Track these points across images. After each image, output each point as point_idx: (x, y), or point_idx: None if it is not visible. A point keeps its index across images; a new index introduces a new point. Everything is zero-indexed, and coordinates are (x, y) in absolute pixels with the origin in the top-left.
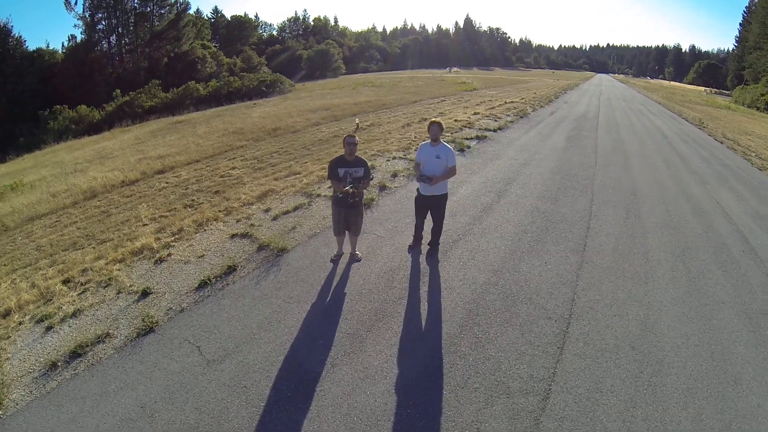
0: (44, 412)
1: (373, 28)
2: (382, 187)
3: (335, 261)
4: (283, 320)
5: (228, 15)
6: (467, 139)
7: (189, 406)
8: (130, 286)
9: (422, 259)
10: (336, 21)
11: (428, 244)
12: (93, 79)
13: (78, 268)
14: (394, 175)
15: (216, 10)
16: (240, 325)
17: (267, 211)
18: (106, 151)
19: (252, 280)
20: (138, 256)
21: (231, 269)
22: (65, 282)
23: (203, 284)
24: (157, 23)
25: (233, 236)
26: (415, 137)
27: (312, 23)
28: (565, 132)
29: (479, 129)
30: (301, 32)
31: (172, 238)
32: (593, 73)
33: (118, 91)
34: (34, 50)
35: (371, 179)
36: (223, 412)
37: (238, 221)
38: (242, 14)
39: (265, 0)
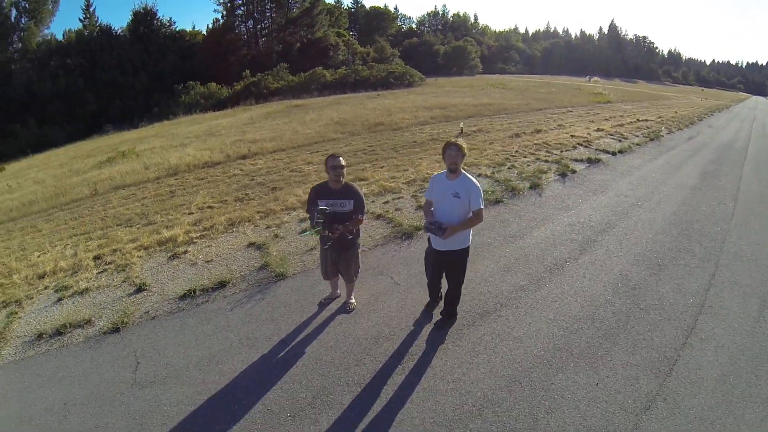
0: (9, 376)
1: (515, 28)
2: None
3: (323, 305)
4: (220, 364)
5: (368, 6)
6: (576, 161)
7: (100, 420)
8: (135, 277)
9: (427, 330)
10: (476, 18)
11: (440, 313)
12: (227, 59)
13: (112, 246)
14: None
15: (356, 1)
16: (183, 354)
17: (302, 221)
18: (217, 128)
19: (230, 303)
20: (161, 247)
21: (221, 285)
22: (96, 258)
23: (187, 295)
24: (294, 10)
25: (250, 245)
26: (517, 151)
27: (451, 19)
28: (700, 164)
29: (595, 150)
30: (440, 27)
31: (199, 234)
32: (748, 94)
33: (248, 71)
34: (177, 31)
35: (364, 214)
36: None
37: (267, 227)
38: (382, 6)
39: None
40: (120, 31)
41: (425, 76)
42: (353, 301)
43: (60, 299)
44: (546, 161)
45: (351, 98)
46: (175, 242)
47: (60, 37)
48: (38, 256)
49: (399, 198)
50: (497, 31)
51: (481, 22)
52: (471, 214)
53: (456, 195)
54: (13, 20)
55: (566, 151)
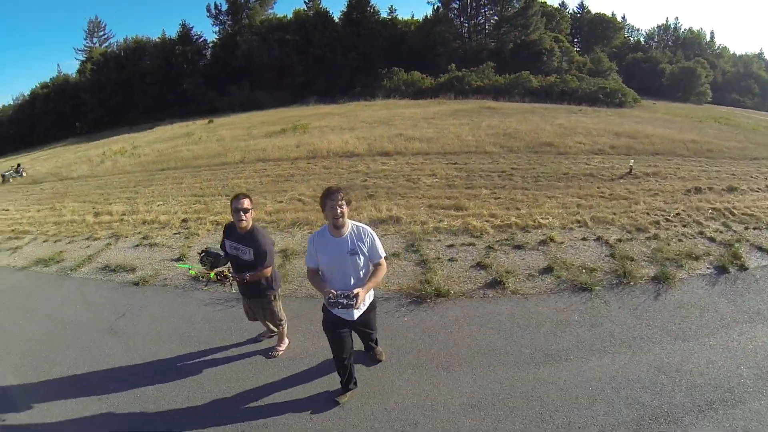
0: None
1: (759, 53)
2: (495, 282)
3: (257, 339)
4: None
5: (594, 11)
6: (760, 249)
7: None
8: (186, 247)
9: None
10: (712, 37)
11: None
12: (435, 50)
13: (200, 214)
14: (546, 271)
15: (582, 6)
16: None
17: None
18: (396, 118)
19: (176, 295)
20: (198, 223)
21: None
22: (183, 221)
23: (144, 280)
24: (509, 9)
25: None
26: (678, 214)
27: (682, 35)
28: None
29: None
30: (670, 43)
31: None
32: None
33: (453, 65)
34: (388, 18)
35: (269, 267)
36: None
37: (303, 238)
38: (608, 13)
39: (636, 1)
40: (337, 16)
41: (644, 97)
42: (280, 349)
43: (137, 245)
44: (711, 239)
45: (547, 109)
46: (214, 224)
47: (281, 15)
48: (157, 205)
49: (470, 246)
50: (737, 54)
51: (718, 42)
52: (375, 268)
53: (353, 252)
54: (242, 1)
55: (755, 229)
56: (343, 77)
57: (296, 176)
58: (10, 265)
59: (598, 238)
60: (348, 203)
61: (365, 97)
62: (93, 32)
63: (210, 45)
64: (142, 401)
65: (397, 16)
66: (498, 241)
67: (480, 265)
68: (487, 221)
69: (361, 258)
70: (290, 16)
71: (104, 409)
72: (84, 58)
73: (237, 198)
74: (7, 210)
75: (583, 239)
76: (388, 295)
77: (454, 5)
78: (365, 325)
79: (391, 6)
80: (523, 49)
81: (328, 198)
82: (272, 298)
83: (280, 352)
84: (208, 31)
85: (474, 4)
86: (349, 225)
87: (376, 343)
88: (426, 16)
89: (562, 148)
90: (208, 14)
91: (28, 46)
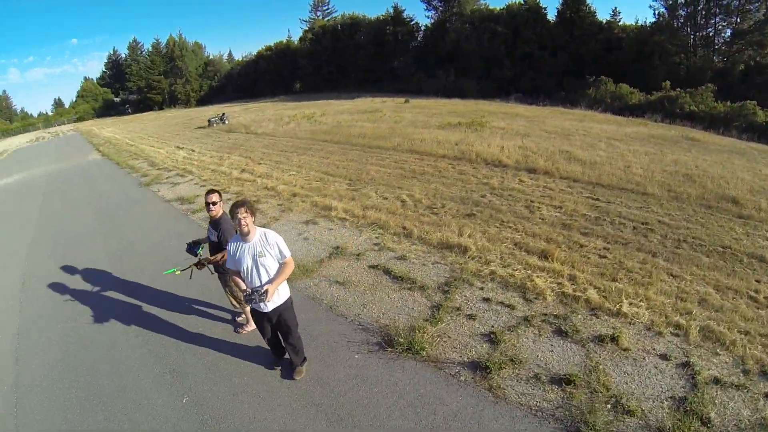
0: None
1: None
2: (481, 367)
3: (239, 325)
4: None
5: None
6: None
7: None
8: (254, 201)
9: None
10: None
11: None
12: (651, 62)
13: (294, 190)
14: (563, 381)
15: None
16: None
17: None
18: (578, 132)
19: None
20: (323, 211)
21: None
22: (275, 193)
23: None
24: (747, 20)
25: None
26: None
27: None
28: None
29: None
30: None
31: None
32: None
33: (668, 83)
34: (604, 21)
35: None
36: None
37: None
38: None
39: None
40: (552, 14)
41: None
42: (246, 329)
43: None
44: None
45: (763, 153)
46: (329, 210)
47: (492, 6)
48: (289, 175)
49: (508, 308)
50: None
51: None
52: (281, 266)
53: (260, 254)
54: None
55: None
56: (551, 78)
57: (425, 176)
58: (164, 197)
59: (686, 364)
60: (252, 214)
61: (566, 103)
62: (317, 6)
63: (422, 28)
64: None
65: (618, 21)
66: (546, 314)
67: (491, 337)
68: (557, 284)
69: (269, 259)
70: (501, 7)
71: None
72: (306, 28)
73: (208, 193)
74: (192, 150)
75: (662, 357)
76: (368, 325)
77: (681, 12)
78: (280, 320)
79: (615, 8)
80: (756, 73)
81: (235, 210)
82: (227, 278)
83: (245, 332)
84: (420, 15)
85: (704, 12)
86: (258, 232)
87: (301, 363)
88: (644, 23)
89: (748, 210)
90: None
91: (261, 15)
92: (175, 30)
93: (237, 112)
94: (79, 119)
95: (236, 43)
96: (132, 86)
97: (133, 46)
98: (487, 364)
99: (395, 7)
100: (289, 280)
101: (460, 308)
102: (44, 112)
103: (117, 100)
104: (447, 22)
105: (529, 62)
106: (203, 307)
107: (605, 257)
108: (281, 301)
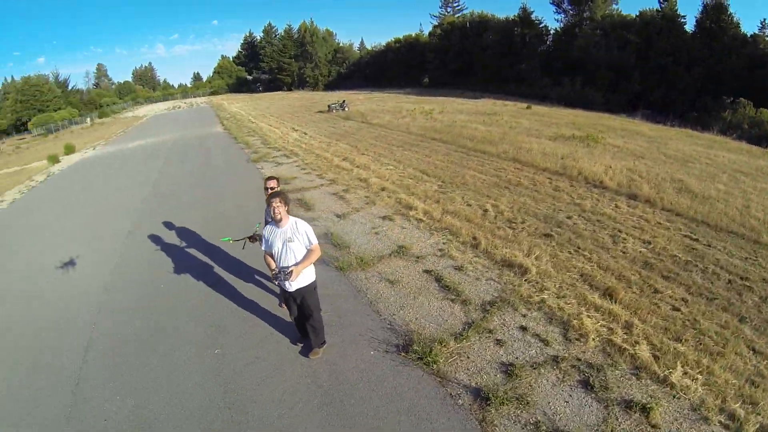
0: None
1: None
2: (481, 396)
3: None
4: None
5: None
6: None
7: None
8: (343, 190)
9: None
10: None
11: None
12: None
13: (385, 185)
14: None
15: None
16: None
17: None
18: (699, 160)
19: None
20: (387, 194)
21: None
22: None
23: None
24: None
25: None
26: None
27: None
28: None
29: None
30: None
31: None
32: None
33: None
34: (749, 34)
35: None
36: None
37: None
38: None
39: None
40: (691, 24)
41: None
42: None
43: (334, 194)
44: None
45: None
46: (410, 209)
47: (625, 13)
48: (387, 169)
49: (542, 343)
50: None
51: None
52: (308, 252)
53: (290, 240)
54: None
55: None
56: (683, 96)
57: (519, 187)
58: (264, 175)
59: None
60: (286, 204)
61: (697, 125)
62: (448, 2)
63: (551, 33)
64: None
65: (766, 35)
66: (580, 360)
67: (509, 369)
68: (608, 328)
69: (297, 244)
70: (635, 14)
71: None
72: (436, 23)
73: (268, 179)
74: (305, 133)
75: None
76: (397, 327)
77: None
78: (303, 302)
79: (765, 20)
80: None
81: (271, 200)
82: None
83: (284, 308)
84: (549, 18)
85: None
86: (290, 220)
87: (320, 346)
88: None
89: None
90: (551, 1)
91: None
92: (308, 17)
93: (360, 100)
94: (213, 93)
95: (368, 34)
96: (264, 66)
97: (268, 30)
98: (490, 395)
99: (524, 8)
100: (342, 270)
101: (492, 331)
102: (183, 84)
103: (249, 78)
104: (577, 27)
105: (661, 76)
106: (262, 278)
107: (678, 310)
108: (305, 284)
